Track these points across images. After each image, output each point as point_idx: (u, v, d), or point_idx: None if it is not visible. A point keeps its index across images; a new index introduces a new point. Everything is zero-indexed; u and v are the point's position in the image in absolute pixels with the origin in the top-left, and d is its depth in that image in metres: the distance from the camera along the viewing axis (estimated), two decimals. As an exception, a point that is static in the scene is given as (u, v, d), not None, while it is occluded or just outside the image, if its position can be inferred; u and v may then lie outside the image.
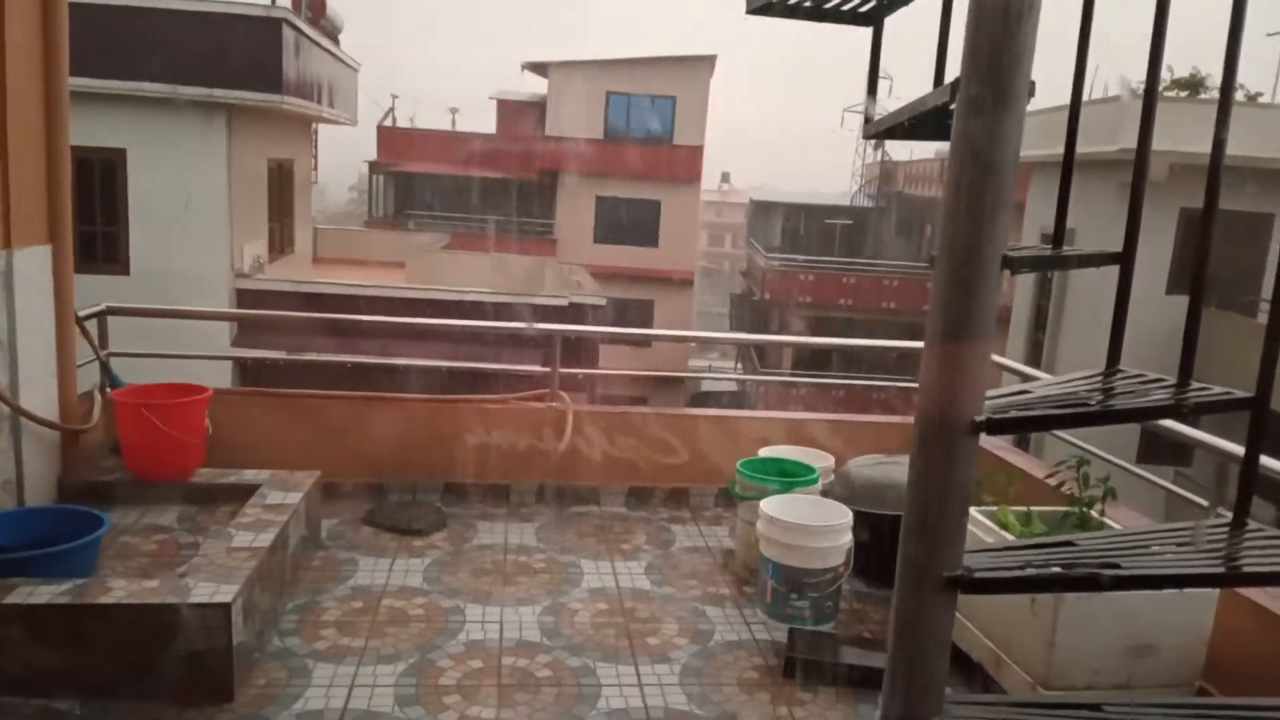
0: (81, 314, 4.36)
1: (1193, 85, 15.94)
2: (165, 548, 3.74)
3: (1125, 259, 1.77)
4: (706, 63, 25.77)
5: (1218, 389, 1.73)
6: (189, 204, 13.07)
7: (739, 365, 32.43)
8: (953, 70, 1.64)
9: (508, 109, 28.12)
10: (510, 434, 4.96)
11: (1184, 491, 4.21)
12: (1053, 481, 3.60)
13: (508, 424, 4.98)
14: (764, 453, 4.66)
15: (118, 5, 12.22)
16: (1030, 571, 1.55)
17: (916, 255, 28.66)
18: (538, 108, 27.15)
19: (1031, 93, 1.25)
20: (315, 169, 19.70)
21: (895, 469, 4.28)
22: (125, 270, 13.21)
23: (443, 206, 27.85)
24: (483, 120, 28.94)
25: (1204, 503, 3.78)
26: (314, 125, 18.42)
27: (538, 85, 27.66)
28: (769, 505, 3.86)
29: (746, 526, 4.19)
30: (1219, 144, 1.64)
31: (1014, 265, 1.34)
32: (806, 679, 3.31)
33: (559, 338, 5.28)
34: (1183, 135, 11.89)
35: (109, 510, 3.71)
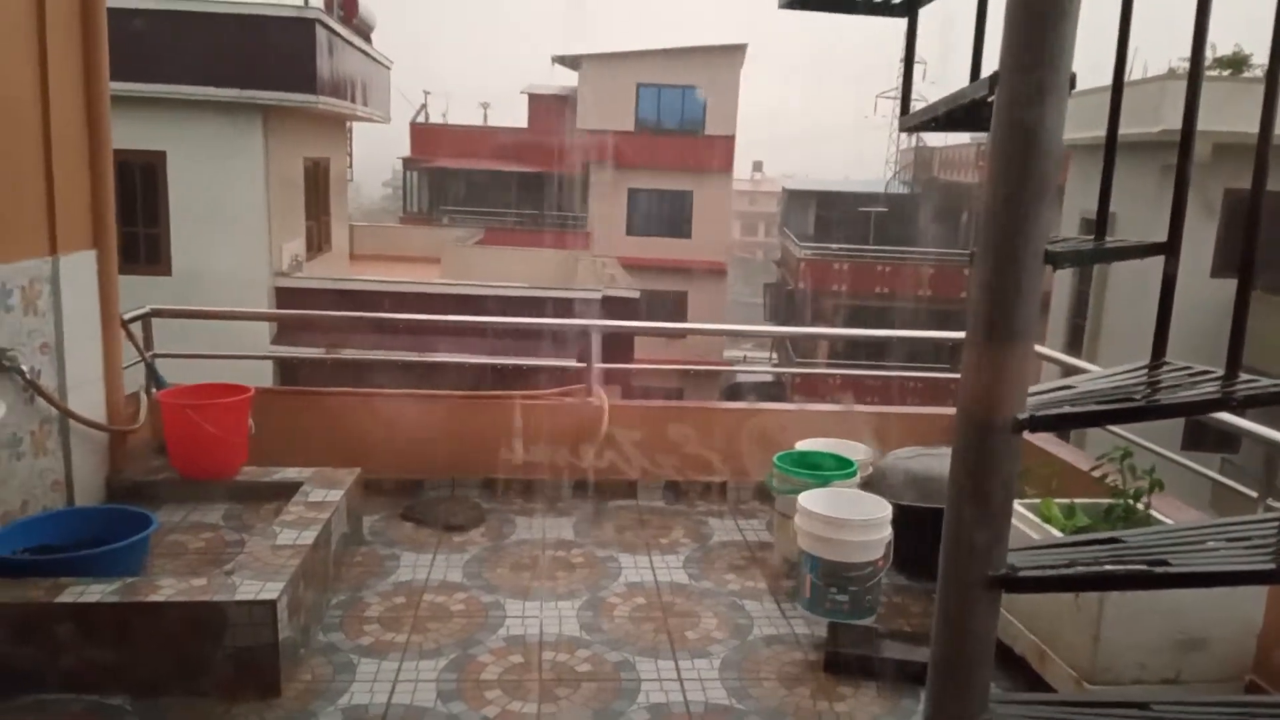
0: (126, 316, 4.44)
1: (1236, 64, 15.58)
2: (212, 545, 3.81)
3: (1171, 249, 1.73)
4: (736, 52, 25.64)
5: (1267, 381, 1.69)
6: (228, 205, 13.25)
7: (774, 355, 32.30)
8: (990, 60, 1.61)
9: (539, 103, 28.20)
10: (547, 429, 4.98)
11: (1231, 481, 4.13)
12: (1097, 474, 3.55)
13: (544, 419, 5.00)
14: (801, 446, 4.64)
15: (154, 9, 12.40)
16: (1077, 570, 1.53)
17: (952, 242, 28.33)
18: (568, 101, 27.18)
19: (1073, 85, 1.22)
20: (350, 167, 19.89)
21: (935, 461, 4.25)
22: (168, 271, 13.44)
23: (476, 201, 28.01)
24: (514, 114, 29.09)
25: (1253, 494, 3.71)
26: (348, 123, 18.58)
27: (568, 78, 27.71)
28: (807, 499, 3.85)
29: (784, 520, 4.17)
30: (1267, 123, 1.60)
31: (1057, 261, 1.32)
32: (847, 674, 3.30)
33: (594, 332, 5.29)
34: (1226, 115, 11.62)
35: (156, 509, 3.77)
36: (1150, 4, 1.74)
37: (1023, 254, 1.23)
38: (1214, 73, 14.87)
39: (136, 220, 13.36)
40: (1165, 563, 1.58)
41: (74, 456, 3.88)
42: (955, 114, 1.63)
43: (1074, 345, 16.02)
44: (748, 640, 3.56)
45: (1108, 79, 1.77)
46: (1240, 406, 1.65)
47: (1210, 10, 1.61)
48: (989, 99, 1.34)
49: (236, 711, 2.91)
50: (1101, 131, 1.75)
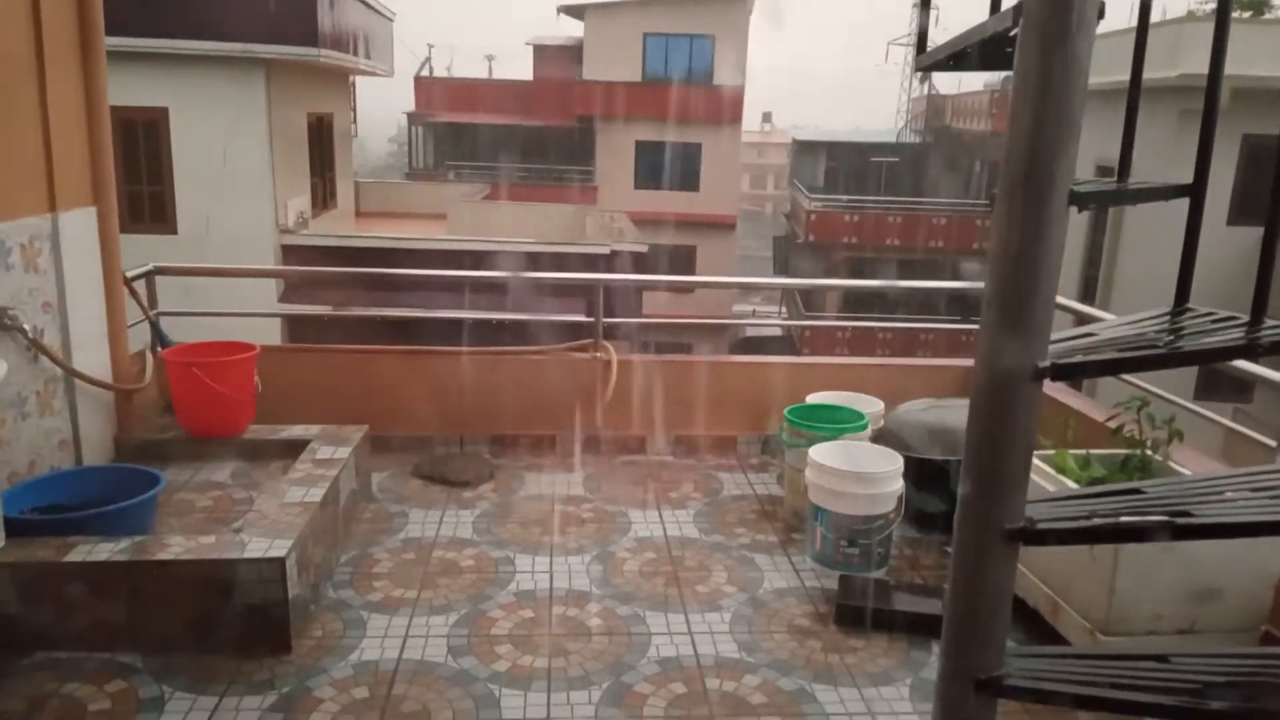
0: (129, 275, 4.40)
1: (1257, 5, 15.24)
2: (220, 504, 3.81)
3: (1196, 191, 1.66)
4: (744, 0, 25.17)
5: (1294, 327, 1.64)
6: (232, 162, 13.15)
7: (783, 309, 32.20)
8: (1011, -7, 1.54)
9: (544, 55, 27.81)
10: (555, 384, 4.94)
11: (1247, 430, 4.08)
12: (1113, 424, 3.50)
13: (553, 374, 4.97)
14: (811, 399, 4.60)
15: (153, -37, 12.21)
16: (1097, 522, 1.48)
17: (965, 192, 27.99)
18: (575, 52, 26.79)
19: (1101, 14, 1.16)
20: (354, 122, 19.69)
21: (947, 413, 4.21)
22: (173, 229, 13.40)
23: (482, 156, 27.75)
24: (520, 67, 28.73)
25: (1271, 442, 3.66)
26: (351, 78, 18.37)
27: (574, 29, 27.28)
28: (818, 452, 3.82)
29: (795, 474, 4.15)
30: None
31: (1081, 201, 1.26)
32: (858, 626, 3.29)
33: (602, 287, 5.23)
34: (1246, 59, 11.39)
35: (164, 468, 3.77)
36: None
37: (1047, 194, 1.17)
38: (1234, 14, 14.55)
39: (141, 178, 13.29)
40: (1187, 513, 1.54)
41: (80, 416, 3.87)
42: (974, 51, 1.55)
43: (1087, 295, 15.87)
44: (758, 594, 3.55)
45: (1121, 24, 1.69)
46: (1266, 353, 1.60)
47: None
48: (1012, 32, 1.26)
49: (247, 668, 2.92)
50: (1116, 76, 1.68)
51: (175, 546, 3.03)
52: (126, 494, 3.33)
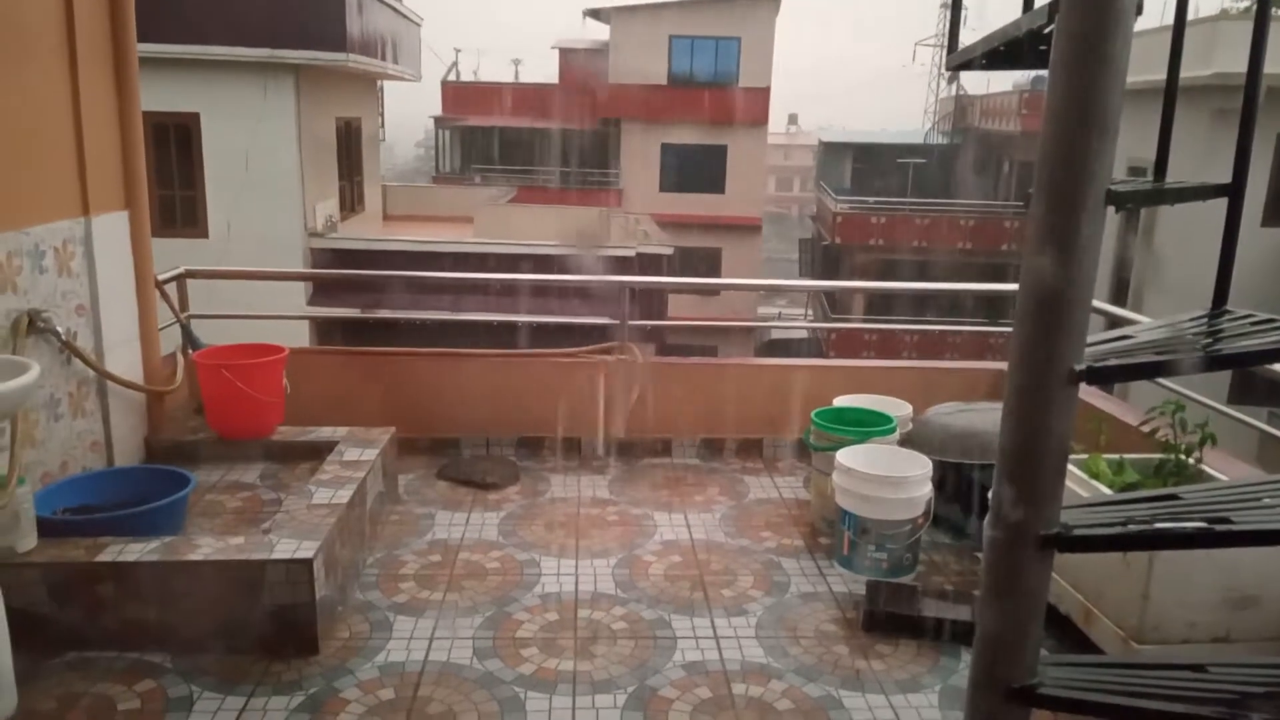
0: (161, 278, 4.45)
1: (1293, 3, 14.99)
2: (249, 505, 3.83)
3: (1235, 191, 1.63)
4: (771, 2, 25.09)
5: (1337, 329, 1.60)
6: (262, 166, 13.28)
7: (809, 312, 32.05)
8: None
9: (570, 57, 27.84)
10: (581, 387, 4.94)
11: (1284, 434, 4.00)
12: (1147, 429, 3.44)
13: (578, 377, 4.96)
14: (839, 402, 4.56)
15: (184, -30, 12.37)
16: (1133, 528, 1.45)
17: (993, 193, 27.73)
18: (600, 55, 26.82)
19: (1139, 9, 1.13)
20: (382, 126, 19.82)
21: (976, 417, 4.16)
22: (204, 233, 13.55)
23: (509, 159, 27.87)
24: (546, 70, 28.75)
25: (1310, 447, 3.58)
26: (379, 82, 18.49)
27: (600, 32, 27.31)
28: (845, 456, 3.78)
29: (822, 477, 4.11)
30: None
31: (1119, 201, 1.23)
32: (886, 632, 3.25)
33: (628, 289, 5.22)
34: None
35: (194, 469, 3.80)
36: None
37: (1084, 194, 1.15)
38: (1274, 12, 14.31)
39: (173, 182, 13.45)
40: (1227, 520, 1.50)
41: (112, 417, 3.91)
42: (1008, 49, 1.53)
43: (1119, 298, 15.67)
44: (784, 598, 3.52)
45: (1153, 23, 1.66)
46: (1309, 356, 1.56)
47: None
48: (1047, 29, 1.24)
49: (275, 668, 2.94)
50: (1149, 76, 1.65)
51: (205, 547, 3.05)
52: (157, 495, 3.36)
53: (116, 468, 3.85)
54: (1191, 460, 3.23)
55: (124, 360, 4.00)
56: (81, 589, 2.96)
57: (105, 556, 2.97)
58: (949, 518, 4.04)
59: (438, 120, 29.16)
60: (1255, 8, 1.43)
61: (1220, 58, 12.44)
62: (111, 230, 3.92)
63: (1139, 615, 2.88)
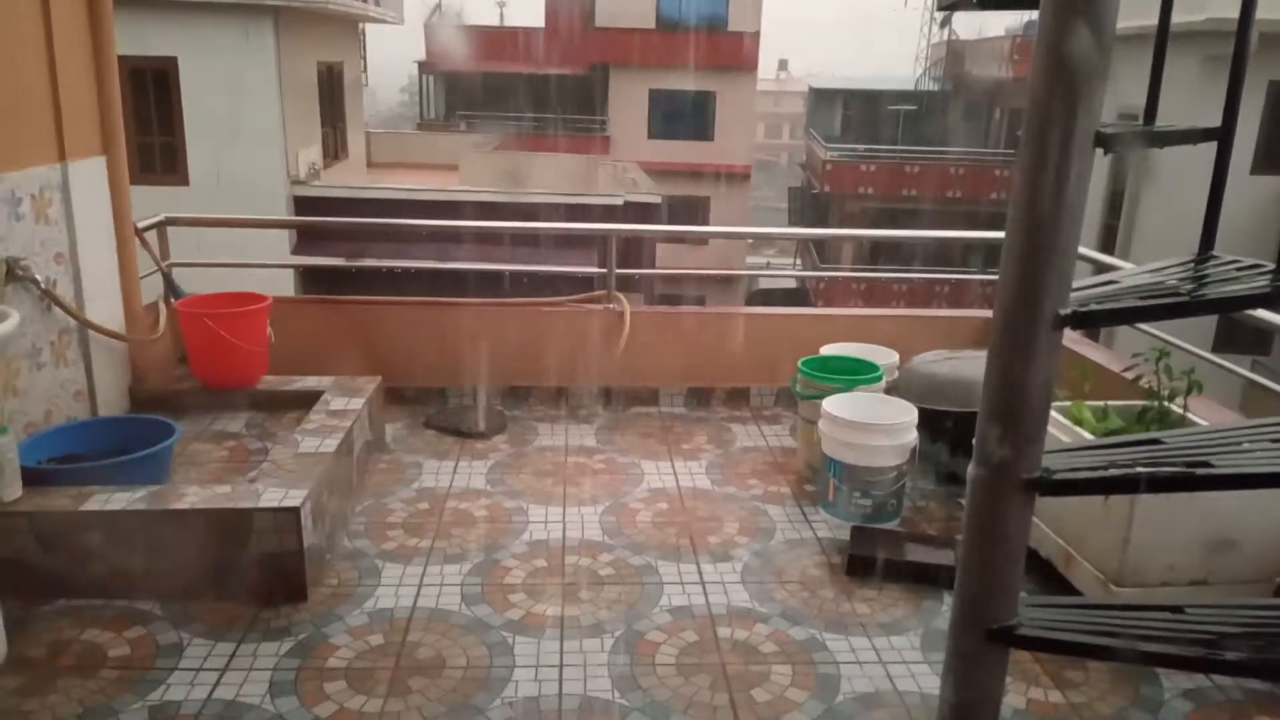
0: (141, 225, 4.39)
1: (1288, -54, 14.79)
2: (235, 454, 3.83)
3: (1224, 134, 1.62)
4: (761, -56, 24.62)
5: (1322, 275, 1.60)
6: (242, 111, 13.06)
7: (797, 261, 31.99)
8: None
9: (556, 1, 27.33)
10: (568, 336, 4.93)
11: (1268, 382, 4.03)
12: (1131, 375, 3.46)
13: (565, 326, 4.95)
14: (825, 350, 4.57)
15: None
16: (1114, 472, 1.47)
17: (984, 141, 27.56)
18: (587, -2, 26.34)
19: (1133, -56, 1.11)
20: (365, 71, 19.51)
21: (962, 364, 4.17)
22: (185, 180, 13.36)
23: (494, 106, 27.45)
24: (531, 13, 28.21)
25: (1291, 394, 3.61)
26: (361, 26, 18.14)
27: (587, -26, 26.76)
28: (831, 404, 3.80)
29: (808, 426, 4.13)
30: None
31: (1108, 143, 1.22)
32: (870, 577, 3.29)
33: (614, 238, 5.19)
34: (1273, 2, 11.07)
35: (179, 418, 3.79)
36: None
37: (1072, 136, 1.14)
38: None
39: (151, 129, 13.23)
40: (1208, 464, 1.52)
41: (95, 366, 3.88)
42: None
43: (1107, 246, 15.68)
44: (770, 544, 3.56)
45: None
46: (1293, 301, 1.56)
47: None
48: (1038, -34, 1.22)
49: (265, 615, 2.95)
50: (1138, 21, 1.62)
51: (191, 496, 3.05)
52: (142, 444, 3.35)
53: (101, 417, 3.83)
54: (1175, 407, 3.26)
55: (105, 309, 3.96)
56: (68, 537, 2.96)
57: (91, 505, 2.96)
58: (934, 464, 4.08)
59: (422, 65, 28.68)
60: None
61: (1213, 3, 12.30)
62: (89, 176, 3.85)
63: (1119, 559, 2.92)
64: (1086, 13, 1.15)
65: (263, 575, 3.02)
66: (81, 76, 3.79)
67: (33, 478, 3.04)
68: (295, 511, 2.99)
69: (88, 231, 3.82)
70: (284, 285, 12.39)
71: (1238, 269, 1.68)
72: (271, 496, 3.05)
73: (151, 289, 4.47)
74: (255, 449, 3.87)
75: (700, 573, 3.33)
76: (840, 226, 25.18)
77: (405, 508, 3.76)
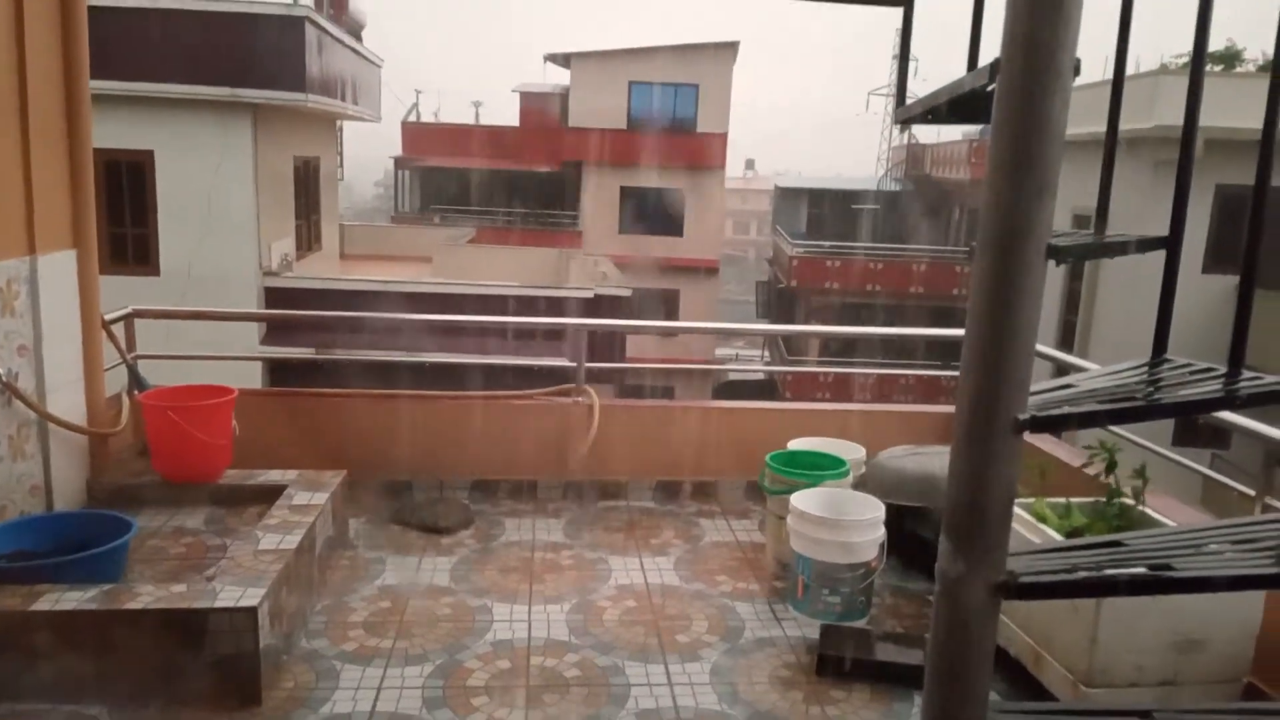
0: (108, 317, 4.37)
1: (1228, 59, 15.60)
2: (193, 551, 3.74)
3: (1172, 243, 1.68)
4: (729, 50, 25.57)
5: (1270, 378, 1.64)
6: (217, 204, 13.14)
7: (765, 353, 32.28)
8: (988, 51, 1.56)
9: (531, 101, 28.08)
10: (537, 429, 4.92)
11: (1227, 479, 4.09)
12: (1091, 471, 3.50)
13: (534, 419, 4.94)
14: (793, 445, 4.59)
15: (141, 7, 12.30)
16: (1079, 575, 1.47)
17: (945, 239, 28.31)
18: (561, 99, 27.09)
19: (1077, 70, 1.17)
20: (341, 165, 19.78)
21: (928, 460, 4.20)
22: (156, 271, 13.33)
23: (468, 200, 27.90)
24: (506, 113, 28.88)
25: (1250, 491, 3.66)
26: (338, 122, 18.47)
27: (560, 77, 27.61)
28: (800, 499, 3.80)
29: (776, 521, 4.12)
30: (1271, 121, 1.55)
31: (1059, 255, 1.26)
32: (840, 677, 3.24)
33: (585, 331, 5.23)
34: (1218, 110, 11.63)
35: (138, 513, 3.71)
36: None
37: (1025, 248, 1.18)
38: (1206, 68, 14.89)
39: (125, 220, 13.25)
40: (1169, 567, 1.53)
41: (53, 460, 3.81)
42: (953, 105, 1.57)
43: (1065, 342, 16.01)
44: (739, 643, 3.50)
45: (1096, 76, 1.73)
46: (1245, 405, 1.60)
47: (1212, 7, 1.57)
48: (989, 88, 1.28)
49: (217, 721, 2.85)
50: (1092, 127, 1.70)
51: (145, 595, 2.96)
52: (97, 540, 3.26)
53: (56, 512, 3.74)
54: (1134, 503, 3.29)
55: (67, 401, 3.90)
56: (16, 639, 2.85)
57: (42, 605, 2.87)
58: (902, 561, 4.07)
59: (398, 160, 29.16)
60: (1189, 81, 1.49)
61: (1161, 110, 12.89)
62: (58, 269, 3.84)
63: (1088, 659, 2.91)
64: (1036, 129, 1.21)
65: (217, 678, 2.92)
66: (56, 171, 3.82)
67: (-19, 576, 2.95)
68: (252, 612, 2.91)
69: (54, 324, 3.80)
70: (252, 376, 12.29)
71: (1191, 372, 1.72)
72: (228, 596, 2.97)
73: (116, 381, 4.42)
74: (214, 545, 3.78)
75: (668, 673, 3.26)
76: (807, 320, 25.54)
77: (366, 606, 3.67)
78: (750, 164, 58.21)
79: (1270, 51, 1.54)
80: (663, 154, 24.72)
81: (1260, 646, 2.97)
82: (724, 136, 25.54)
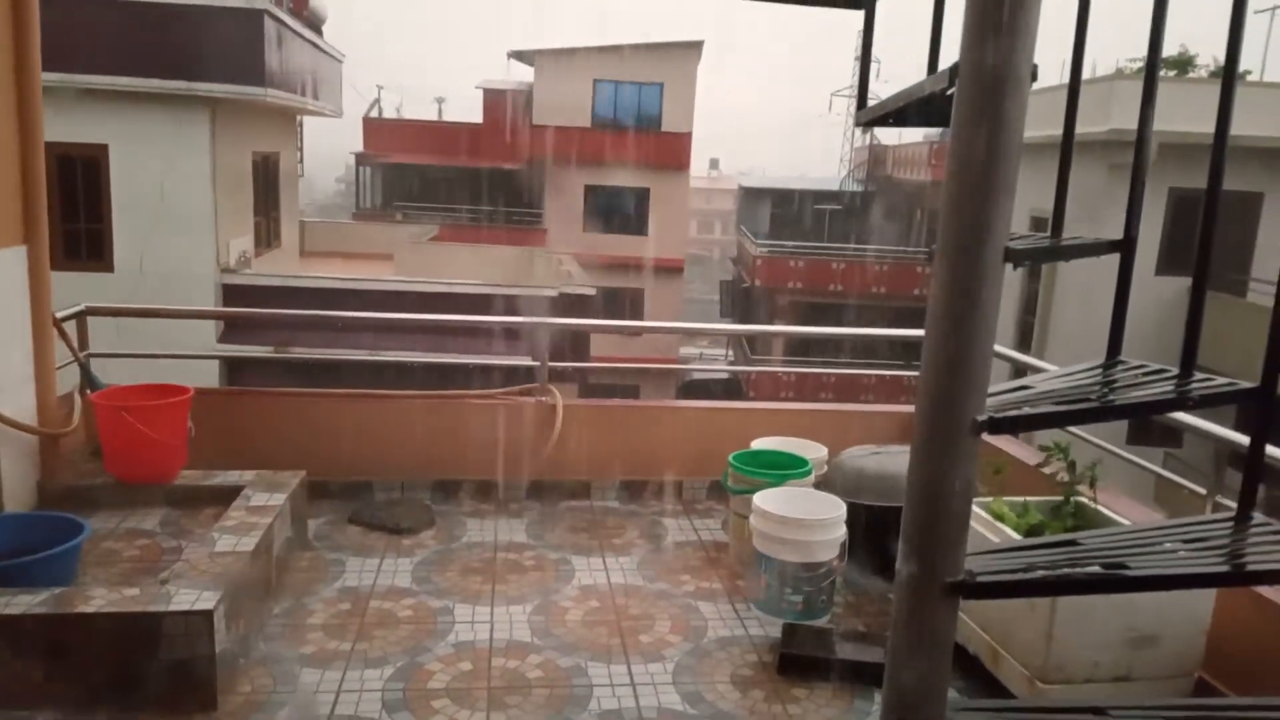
0: (60, 315, 4.27)
1: (1181, 64, 15.90)
2: (147, 553, 3.67)
3: (1126, 247, 1.71)
4: (694, 49, 25.63)
5: (1221, 380, 1.68)
6: (173, 199, 12.92)
7: (729, 353, 32.41)
8: (948, 54, 1.57)
9: (494, 98, 27.92)
10: (500, 429, 4.89)
11: (1179, 479, 4.17)
12: (1047, 470, 3.55)
13: (497, 419, 4.91)
14: (756, 444, 4.61)
15: (98, 0, 12.07)
16: (1036, 575, 1.49)
17: (906, 240, 28.60)
18: (524, 96, 26.97)
19: (1034, 77, 1.18)
20: (301, 161, 19.53)
21: (889, 459, 4.24)
22: (110, 267, 13.08)
23: (431, 197, 27.71)
24: (469, 110, 28.72)
25: (1201, 490, 3.74)
26: (298, 117, 18.24)
27: (524, 74, 27.50)
28: (762, 499, 3.81)
29: (739, 520, 4.14)
30: (1223, 126, 1.59)
31: (1016, 258, 1.28)
32: (801, 675, 3.26)
33: (547, 330, 5.21)
34: (1171, 115, 11.86)
35: (90, 515, 3.63)
36: (1099, 4, 1.72)
37: (983, 252, 1.19)
38: (1160, 74, 15.16)
39: (78, 215, 12.99)
40: (1124, 566, 1.55)
41: (3, 461, 3.72)
42: (912, 109, 1.58)
43: (1024, 343, 16.25)
44: (702, 643, 3.51)
45: (1053, 80, 1.75)
46: (1196, 406, 1.63)
47: (1167, 7, 1.59)
48: (948, 92, 1.29)
49: (172, 726, 2.80)
50: (1049, 131, 1.73)
51: (98, 599, 2.90)
52: (48, 543, 3.19)
53: (6, 514, 3.65)
54: (1088, 501, 3.34)
55: (17, 401, 3.81)
56: (-39, 645, 2.78)
57: (-12, 610, 2.80)
58: (863, 559, 4.10)
59: (359, 156, 28.88)
60: (1143, 86, 1.51)
61: (1116, 115, 13.12)
62: (8, 266, 3.76)
63: (1044, 656, 2.95)
64: (994, 133, 1.22)
65: (172, 683, 2.87)
66: (6, 165, 3.74)
67: (-74, 580, 2.87)
68: (208, 615, 2.86)
69: (3, 321, 3.71)
70: (209, 375, 12.10)
71: (1145, 374, 1.75)
72: (183, 599, 2.92)
73: (68, 379, 4.33)
74: (169, 548, 3.71)
75: (631, 674, 3.26)
76: (771, 320, 25.68)
77: (326, 608, 3.63)
78: (715, 163, 58.40)
79: (1222, 58, 1.57)
80: (627, 152, 24.71)
81: (1210, 642, 3.03)
82: (688, 135, 25.60)
